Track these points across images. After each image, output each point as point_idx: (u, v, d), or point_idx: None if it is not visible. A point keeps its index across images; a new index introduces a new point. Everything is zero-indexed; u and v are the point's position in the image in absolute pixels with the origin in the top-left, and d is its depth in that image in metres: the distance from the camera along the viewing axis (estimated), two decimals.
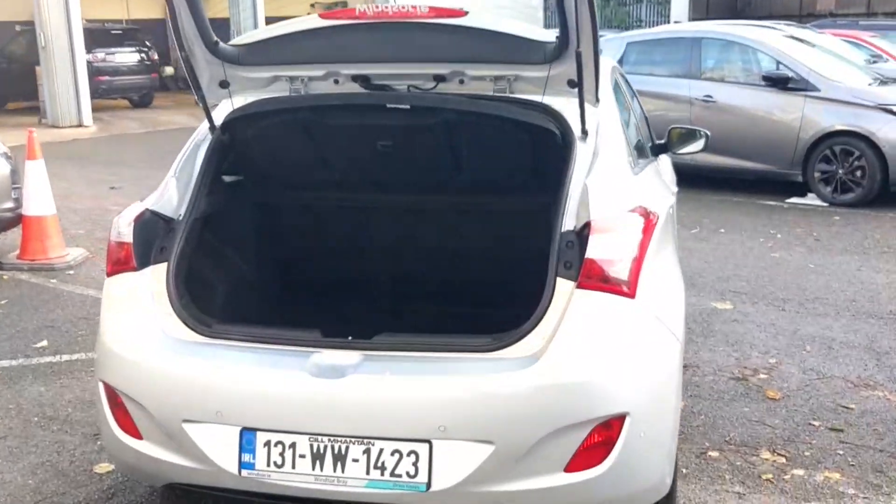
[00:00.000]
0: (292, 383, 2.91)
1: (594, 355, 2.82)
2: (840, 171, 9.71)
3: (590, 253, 2.88)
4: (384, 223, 3.93)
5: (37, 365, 5.41)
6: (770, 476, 3.95)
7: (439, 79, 3.45)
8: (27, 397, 4.91)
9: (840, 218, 9.18)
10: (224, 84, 3.58)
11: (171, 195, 3.39)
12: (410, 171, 3.55)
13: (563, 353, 2.81)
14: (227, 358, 3.01)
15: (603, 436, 2.82)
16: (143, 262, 3.23)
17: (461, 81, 3.44)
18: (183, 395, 3.00)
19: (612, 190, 3.14)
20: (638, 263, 2.91)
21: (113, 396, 3.20)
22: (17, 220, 7.66)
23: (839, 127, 9.67)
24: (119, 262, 3.27)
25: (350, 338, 2.98)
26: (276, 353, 2.99)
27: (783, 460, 4.10)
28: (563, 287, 2.89)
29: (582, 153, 3.19)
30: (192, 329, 3.08)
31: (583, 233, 2.96)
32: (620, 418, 2.82)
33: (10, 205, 7.54)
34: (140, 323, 3.14)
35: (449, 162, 3.47)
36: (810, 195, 10.04)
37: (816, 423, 4.47)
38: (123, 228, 3.29)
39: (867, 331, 5.81)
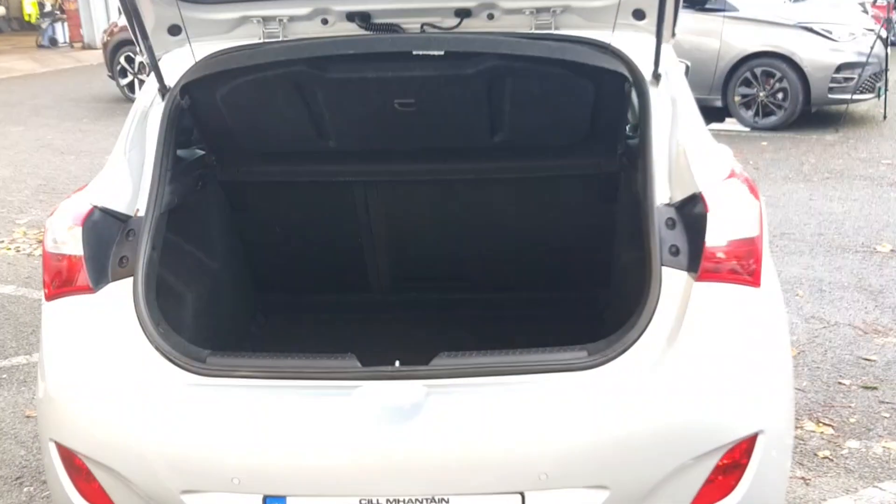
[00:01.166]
0: (332, 431, 2.20)
1: (726, 365, 2.23)
2: (761, 94, 9.47)
3: (712, 237, 2.26)
4: (389, 201, 3.18)
5: None
6: (827, 453, 3.54)
7: (463, 14, 2.72)
8: None
9: (768, 143, 8.95)
10: (175, 30, 2.72)
11: (122, 184, 2.54)
12: (436, 135, 2.81)
13: (688, 367, 2.21)
14: (237, 402, 2.26)
15: (731, 460, 2.26)
16: (100, 280, 2.39)
17: (490, 16, 2.73)
18: (181, 458, 2.24)
19: (707, 150, 2.52)
20: (760, 242, 2.32)
21: (69, 458, 2.39)
22: None
23: (760, 48, 9.39)
24: (64, 282, 2.41)
25: (397, 363, 2.27)
26: (303, 390, 2.26)
27: (831, 431, 3.70)
28: (674, 280, 2.28)
29: (659, 102, 2.54)
30: (183, 367, 2.29)
31: (686, 209, 2.34)
32: (753, 438, 2.27)
33: None
34: (107, 365, 2.33)
35: (485, 121, 2.75)
36: (730, 120, 9.78)
37: (847, 382, 4.10)
38: (64, 235, 2.42)
39: (850, 267, 5.51)
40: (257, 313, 3.41)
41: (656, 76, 2.59)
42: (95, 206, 2.45)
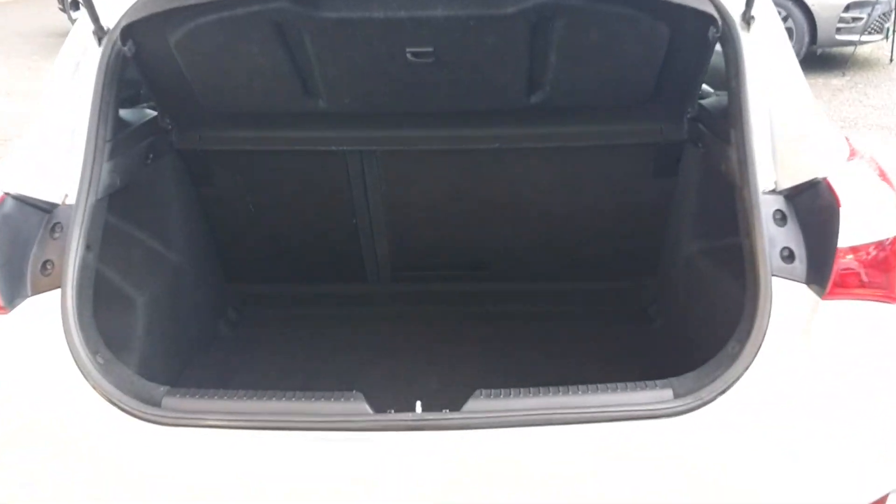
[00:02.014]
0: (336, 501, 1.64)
1: (860, 409, 1.69)
2: None
3: (846, 238, 1.69)
4: (391, 174, 2.55)
5: None
6: None
7: None
8: None
9: None
10: None
11: (45, 162, 1.91)
12: (457, 94, 2.19)
13: (811, 414, 1.67)
14: (205, 460, 1.68)
15: None
16: (14, 295, 1.77)
17: None
18: None
19: (813, 119, 1.94)
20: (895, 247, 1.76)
21: None
22: None
23: None
24: None
25: (418, 406, 1.70)
26: (293, 443, 1.68)
27: None
28: (789, 294, 1.71)
29: (754, 54, 1.94)
30: (130, 413, 1.70)
31: (802, 199, 1.77)
32: (882, 499, 1.74)
33: None
34: (27, 410, 1.72)
35: (523, 76, 2.14)
36: None
37: None
38: None
39: None
40: (228, 308, 2.80)
41: (748, 20, 1.98)
42: (8, 194, 1.82)
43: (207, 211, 2.60)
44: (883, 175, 1.85)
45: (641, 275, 2.71)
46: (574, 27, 1.99)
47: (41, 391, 1.73)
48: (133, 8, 1.97)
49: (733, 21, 1.95)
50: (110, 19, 2.01)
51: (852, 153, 1.89)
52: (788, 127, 1.86)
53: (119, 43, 1.99)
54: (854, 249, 1.70)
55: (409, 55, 2.02)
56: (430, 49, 2.01)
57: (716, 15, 1.92)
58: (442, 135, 2.36)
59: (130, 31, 1.97)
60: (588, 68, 2.13)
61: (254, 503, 1.68)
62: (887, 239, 1.73)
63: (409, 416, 1.68)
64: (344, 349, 2.58)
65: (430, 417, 1.67)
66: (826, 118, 2.10)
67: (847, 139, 1.99)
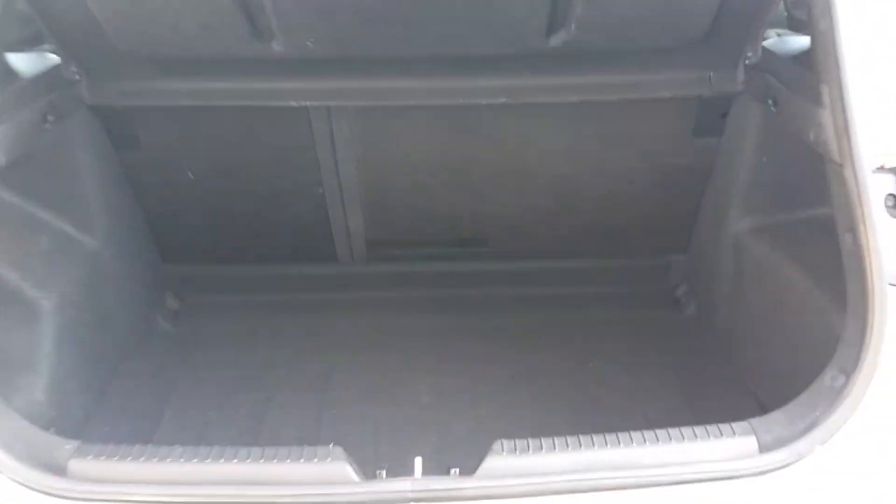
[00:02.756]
0: None
1: None
2: None
3: None
4: (389, 134, 2.03)
5: None
6: None
7: None
8: None
9: None
10: None
11: None
12: (456, 35, 1.69)
13: None
14: None
15: None
16: None
17: None
18: None
19: None
20: None
21: None
22: None
23: None
24: None
25: (417, 469, 1.27)
26: None
27: None
28: None
29: None
30: (24, 485, 1.24)
31: None
32: None
33: None
34: None
35: (542, 10, 1.64)
36: None
37: None
38: None
39: None
40: (166, 295, 2.30)
41: None
42: None
43: (133, 180, 2.08)
44: None
45: (669, 252, 2.28)
46: None
47: None
48: None
49: None
50: None
51: None
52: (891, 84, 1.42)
53: None
54: None
55: None
56: None
57: None
58: (432, 86, 1.85)
59: None
60: None
61: None
62: None
63: (407, 483, 1.24)
64: (312, 349, 2.11)
65: (437, 487, 1.23)
66: None
67: None
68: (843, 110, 1.38)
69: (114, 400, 1.91)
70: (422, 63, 1.81)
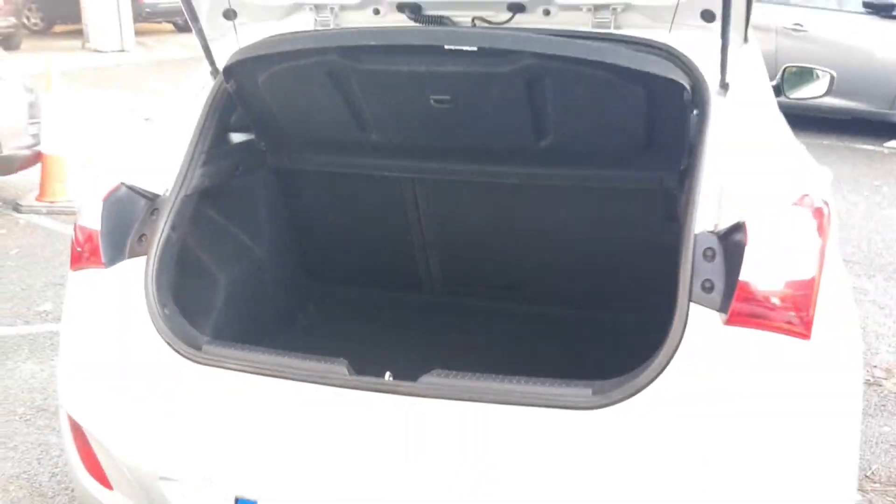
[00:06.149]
0: (309, 438, 2.09)
1: (748, 436, 1.92)
2: None
3: (746, 273, 1.95)
4: (438, 200, 3.04)
5: (36, 334, 4.65)
6: None
7: (516, 8, 2.56)
8: (18, 378, 4.16)
9: None
10: (230, 14, 2.69)
11: (157, 163, 2.53)
12: (477, 134, 2.62)
13: (697, 431, 1.93)
14: (221, 395, 2.19)
15: None
16: (114, 257, 2.38)
17: (546, 12, 2.56)
18: (160, 443, 2.20)
19: (769, 170, 2.19)
20: (814, 286, 1.97)
21: (78, 431, 2.41)
22: (35, 158, 6.95)
23: None
24: (83, 255, 2.43)
25: (389, 375, 2.12)
26: (286, 391, 2.15)
27: None
28: (701, 319, 1.99)
29: (723, 115, 2.23)
30: (177, 351, 2.25)
31: (730, 238, 2.04)
32: None
33: (27, 141, 6.80)
34: (106, 342, 2.32)
35: (529, 123, 2.54)
36: None
37: None
38: (88, 209, 2.45)
39: None
40: (309, 302, 3.35)
41: (724, 85, 2.28)
42: (123, 183, 2.45)
43: (295, 218, 3.18)
44: (820, 225, 2.05)
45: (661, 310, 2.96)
46: (561, 85, 2.36)
47: (121, 328, 2.32)
48: (233, 54, 2.57)
49: (706, 87, 2.26)
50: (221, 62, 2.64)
51: (800, 201, 2.09)
52: (737, 176, 2.13)
53: (223, 80, 2.60)
54: (759, 284, 1.94)
55: (432, 101, 2.48)
56: (447, 97, 2.46)
57: (683, 82, 2.24)
58: (470, 169, 2.80)
59: (230, 71, 2.57)
60: (583, 120, 2.49)
61: (246, 430, 2.16)
62: (800, 279, 1.96)
63: (374, 380, 2.10)
64: (386, 342, 2.99)
65: (389, 384, 2.09)
66: (817, 171, 2.32)
67: (813, 192, 2.16)
68: (690, 192, 2.11)
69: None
70: (461, 152, 2.75)
